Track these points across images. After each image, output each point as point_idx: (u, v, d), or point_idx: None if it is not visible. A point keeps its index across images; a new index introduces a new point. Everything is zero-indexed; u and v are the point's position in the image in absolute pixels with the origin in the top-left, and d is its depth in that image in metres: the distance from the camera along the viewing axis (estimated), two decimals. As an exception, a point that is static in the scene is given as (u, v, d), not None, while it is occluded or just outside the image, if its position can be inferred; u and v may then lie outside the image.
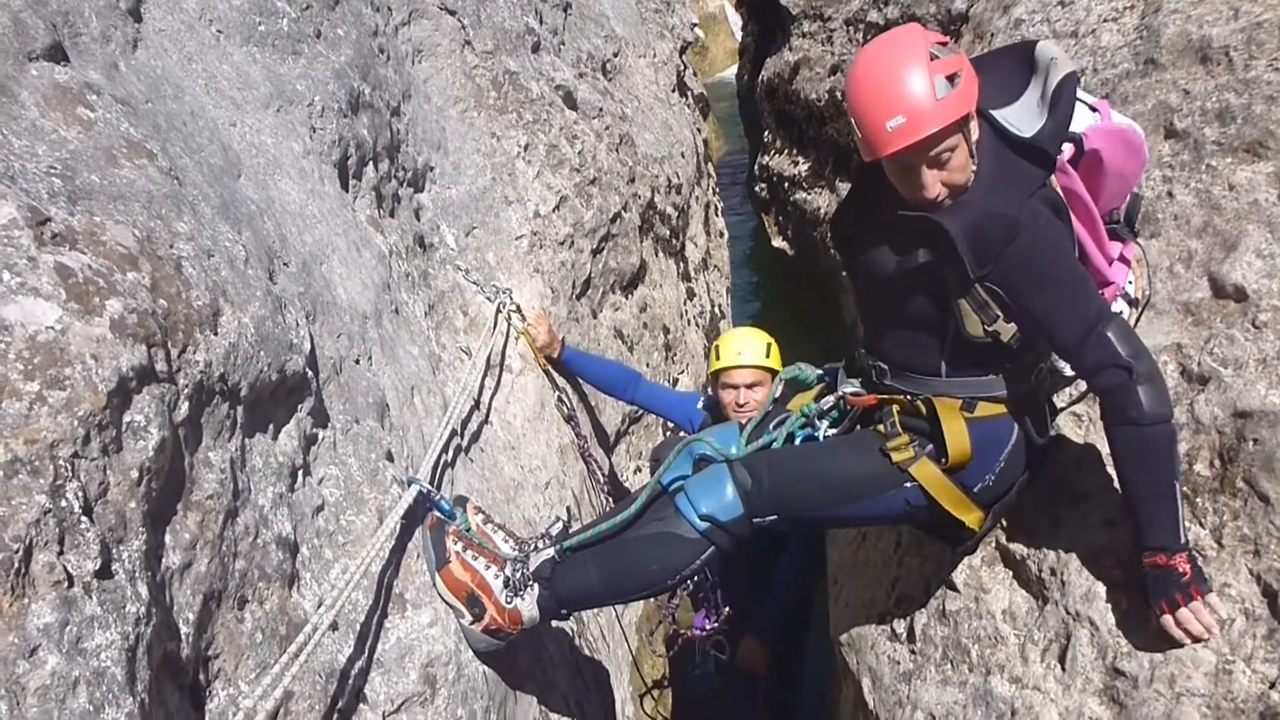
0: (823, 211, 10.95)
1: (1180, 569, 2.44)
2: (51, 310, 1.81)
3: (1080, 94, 2.70)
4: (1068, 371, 2.93)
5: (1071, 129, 2.66)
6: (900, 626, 3.49)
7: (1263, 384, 2.71)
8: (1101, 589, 2.73)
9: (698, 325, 8.40)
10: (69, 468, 1.71)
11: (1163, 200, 3.40)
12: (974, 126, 2.63)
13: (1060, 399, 3.15)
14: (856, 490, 2.95)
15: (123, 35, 2.71)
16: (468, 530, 3.14)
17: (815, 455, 3.08)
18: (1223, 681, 2.38)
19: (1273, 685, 2.29)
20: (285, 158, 3.29)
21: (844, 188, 10.19)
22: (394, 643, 2.75)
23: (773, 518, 2.98)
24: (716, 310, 9.33)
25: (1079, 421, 3.13)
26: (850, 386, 3.13)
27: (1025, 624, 2.93)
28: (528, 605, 3.05)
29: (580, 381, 5.26)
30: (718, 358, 4.67)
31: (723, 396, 4.59)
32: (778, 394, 3.62)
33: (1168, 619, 2.46)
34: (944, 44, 2.59)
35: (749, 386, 4.52)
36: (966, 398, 2.85)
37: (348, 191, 3.76)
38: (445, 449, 3.48)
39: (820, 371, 3.44)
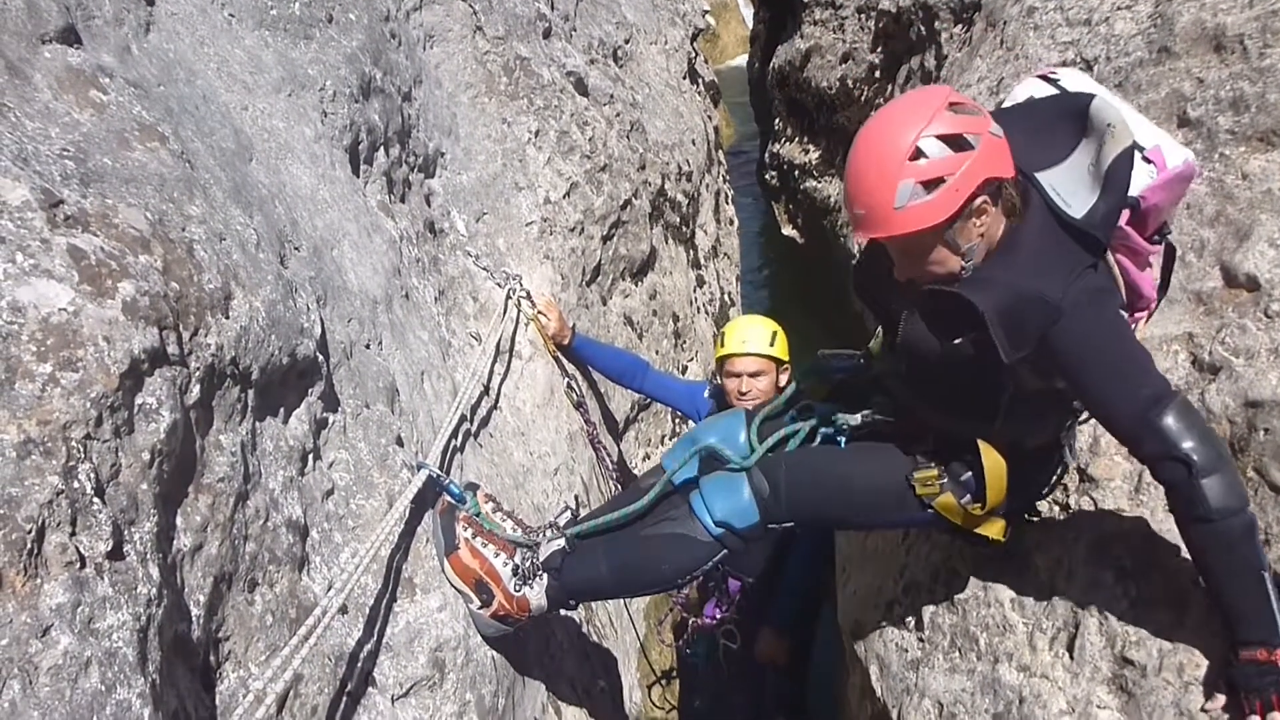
0: (833, 200, 10.94)
1: None
2: (64, 292, 1.82)
3: (1134, 129, 2.49)
4: None
5: (1131, 192, 2.44)
6: (908, 614, 3.49)
7: (1274, 374, 2.70)
8: (1110, 577, 2.73)
9: (707, 313, 8.39)
10: (81, 449, 1.72)
11: (1176, 189, 3.39)
12: (964, 226, 2.41)
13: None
14: (877, 508, 2.91)
15: (135, 18, 2.71)
16: (477, 515, 3.14)
17: (836, 467, 2.95)
18: (1231, 671, 2.37)
19: (1281, 675, 2.29)
20: (296, 142, 3.30)
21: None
22: (403, 627, 2.76)
23: (788, 525, 2.95)
24: (726, 298, 9.32)
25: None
26: (880, 415, 2.96)
27: (1034, 612, 2.93)
28: (536, 594, 3.06)
29: (590, 368, 5.26)
30: (722, 344, 4.67)
31: (726, 384, 4.58)
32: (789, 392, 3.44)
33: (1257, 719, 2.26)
34: (949, 137, 2.32)
35: (752, 375, 4.51)
36: (1014, 439, 2.72)
37: (359, 176, 3.76)
38: (455, 434, 3.48)
39: (840, 364, 3.29)
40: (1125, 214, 2.47)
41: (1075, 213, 2.41)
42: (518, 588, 3.03)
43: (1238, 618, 2.30)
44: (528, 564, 3.05)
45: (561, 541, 3.08)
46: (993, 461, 2.70)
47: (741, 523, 2.91)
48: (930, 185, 2.32)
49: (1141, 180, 2.48)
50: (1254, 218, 3.07)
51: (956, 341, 2.50)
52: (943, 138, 2.32)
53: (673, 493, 3.12)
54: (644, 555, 3.03)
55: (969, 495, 2.77)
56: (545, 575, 3.06)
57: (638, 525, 3.09)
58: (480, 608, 2.99)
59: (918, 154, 2.32)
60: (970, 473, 2.76)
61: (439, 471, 3.04)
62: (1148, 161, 2.51)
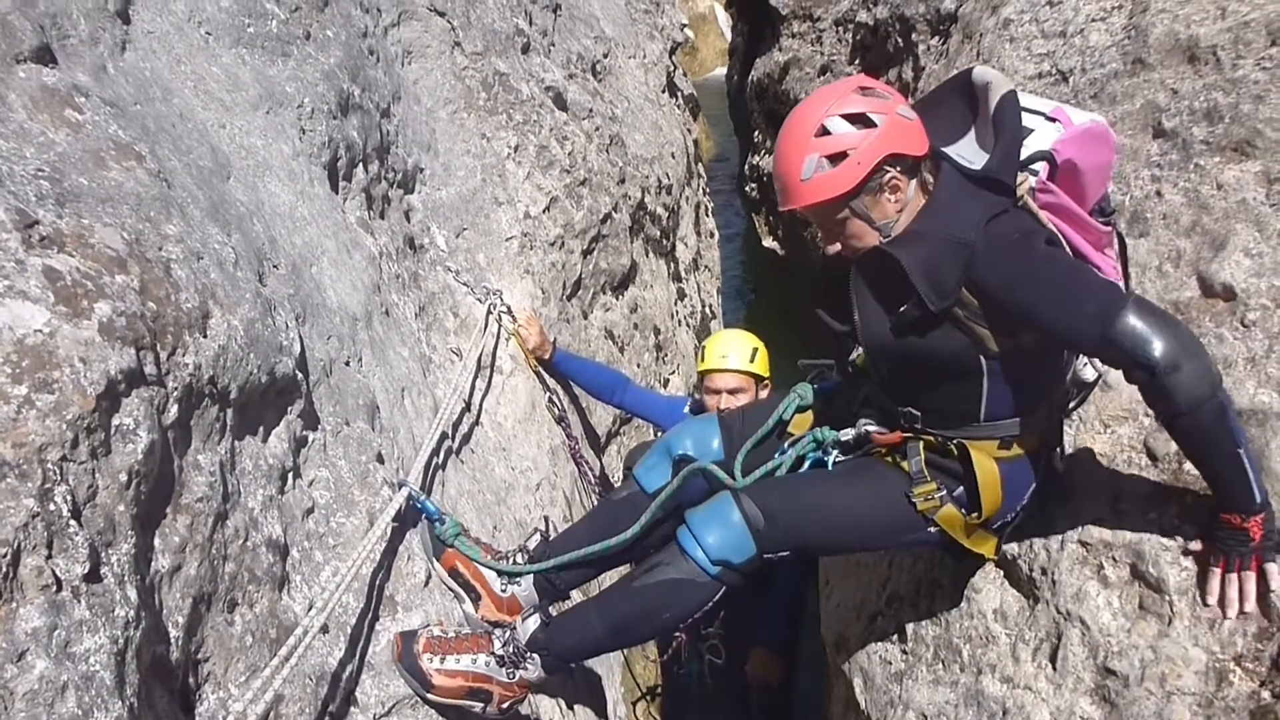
0: (813, 212, 10.96)
1: (1252, 533, 2.39)
2: (40, 313, 1.80)
3: (1032, 104, 2.66)
4: (1087, 374, 2.91)
5: (1040, 147, 2.59)
6: (891, 626, 3.49)
7: (1251, 382, 2.72)
8: (1092, 588, 2.74)
9: (688, 326, 8.40)
10: (57, 471, 1.70)
11: (1151, 199, 3.41)
12: (875, 200, 2.61)
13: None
14: (876, 531, 2.90)
15: (111, 37, 2.70)
16: (456, 537, 3.12)
17: (831, 493, 2.92)
18: (1213, 680, 2.38)
19: (1263, 684, 2.30)
20: (275, 159, 3.29)
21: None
22: (385, 645, 2.74)
23: (784, 553, 2.87)
24: (707, 310, 9.33)
25: (1068, 421, 3.13)
26: (871, 425, 2.97)
27: (1016, 623, 2.93)
28: (533, 672, 2.94)
29: (571, 383, 5.26)
30: (703, 359, 4.68)
31: (706, 400, 4.60)
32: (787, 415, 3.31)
33: (1217, 574, 2.45)
34: (854, 116, 2.54)
35: (731, 392, 4.53)
36: (1004, 437, 2.77)
37: (337, 193, 3.76)
38: (436, 451, 3.47)
39: (817, 386, 3.32)
40: (1044, 168, 2.59)
41: (977, 165, 2.60)
42: (511, 675, 2.92)
43: (1220, 491, 2.46)
44: (511, 650, 2.92)
45: (537, 618, 2.95)
46: (985, 470, 2.75)
47: (739, 556, 2.81)
48: (834, 159, 2.55)
49: (1051, 136, 2.62)
50: (1229, 228, 3.09)
51: (901, 310, 2.62)
52: (847, 116, 2.55)
53: (664, 520, 3.11)
54: (641, 608, 2.91)
55: (964, 508, 2.81)
56: (535, 655, 2.93)
57: (626, 576, 2.99)
58: (485, 709, 2.90)
59: (823, 131, 2.56)
60: (961, 487, 2.80)
61: (419, 491, 3.03)
62: (1052, 120, 2.66)
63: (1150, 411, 2.70)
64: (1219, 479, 2.45)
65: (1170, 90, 3.67)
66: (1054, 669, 2.74)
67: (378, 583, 2.84)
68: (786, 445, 3.12)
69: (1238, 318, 2.88)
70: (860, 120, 2.54)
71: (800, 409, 3.26)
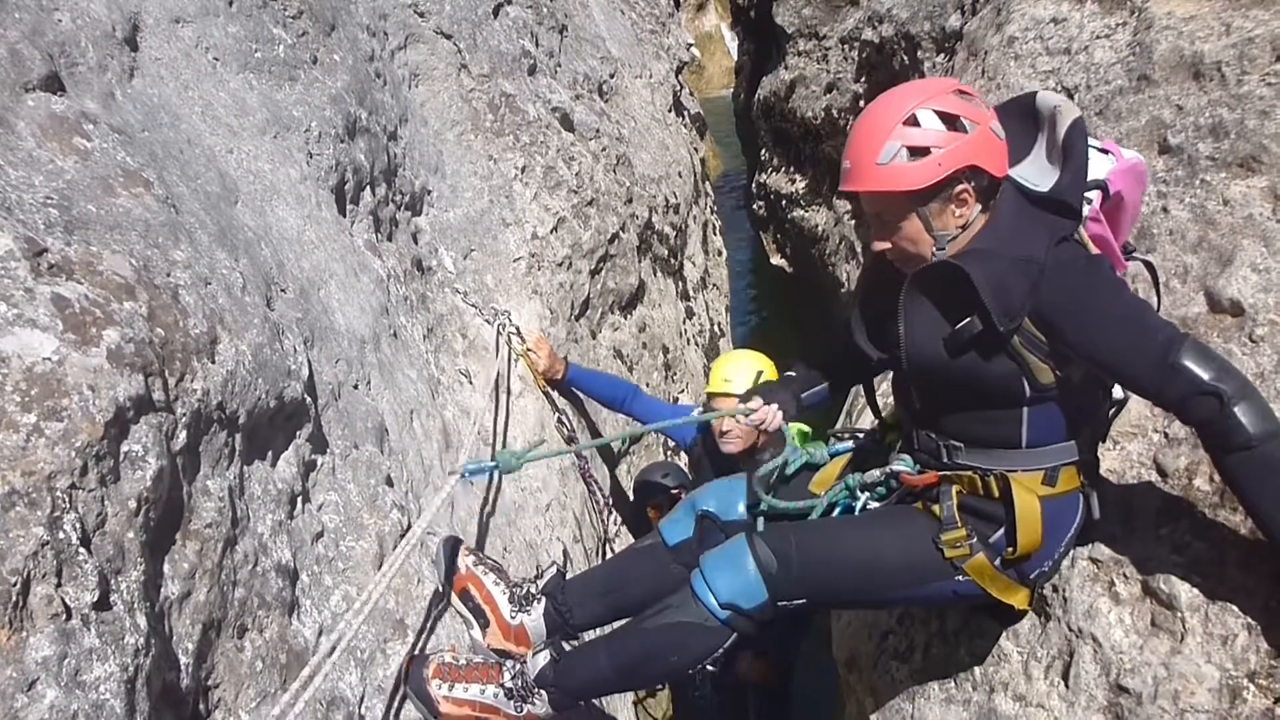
0: (820, 229, 10.98)
1: None
2: (48, 341, 1.82)
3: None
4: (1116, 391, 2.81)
5: (1095, 176, 2.53)
6: (903, 644, 3.48)
7: (1261, 398, 2.71)
8: (1104, 605, 2.72)
9: (697, 344, 8.40)
10: (66, 499, 1.71)
11: (1158, 216, 3.41)
12: (942, 209, 2.50)
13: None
14: (900, 580, 2.73)
15: (119, 64, 2.72)
16: (519, 459, 3.12)
17: (853, 537, 2.79)
18: (1227, 698, 2.37)
19: (1278, 701, 2.28)
20: (282, 184, 3.30)
21: (841, 205, 10.23)
22: (394, 669, 2.74)
23: (800, 601, 2.74)
24: (716, 329, 9.33)
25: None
26: (902, 464, 2.85)
27: (1028, 641, 2.92)
28: (540, 708, 2.89)
29: (582, 402, 5.27)
30: (709, 380, 4.70)
31: (712, 422, 4.60)
32: (795, 458, 3.23)
33: None
34: (948, 115, 2.43)
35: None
36: (1048, 468, 2.64)
37: (345, 216, 3.77)
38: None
39: (836, 447, 3.24)
40: (1098, 196, 2.56)
41: (1044, 188, 2.50)
42: (519, 708, 2.87)
43: None
44: (519, 684, 2.88)
45: (547, 654, 2.91)
46: (1025, 505, 2.61)
47: (749, 603, 2.69)
48: (916, 153, 2.43)
49: (1104, 166, 2.58)
50: (1236, 243, 3.08)
51: (958, 327, 2.52)
52: (940, 114, 2.44)
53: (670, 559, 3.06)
54: (648, 650, 2.82)
55: (999, 557, 2.66)
56: (543, 691, 2.88)
57: (639, 617, 2.89)
58: None
59: (913, 121, 2.43)
60: (1000, 531, 2.66)
61: (471, 464, 3.06)
62: (1105, 153, 2.62)
63: (1160, 428, 2.67)
64: None
65: (1175, 106, 3.67)
66: (1066, 687, 2.72)
67: (388, 605, 2.83)
68: (821, 493, 3.01)
69: (1246, 333, 2.87)
70: (952, 121, 2.44)
71: (811, 466, 3.17)
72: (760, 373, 4.61)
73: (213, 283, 2.39)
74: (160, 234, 2.30)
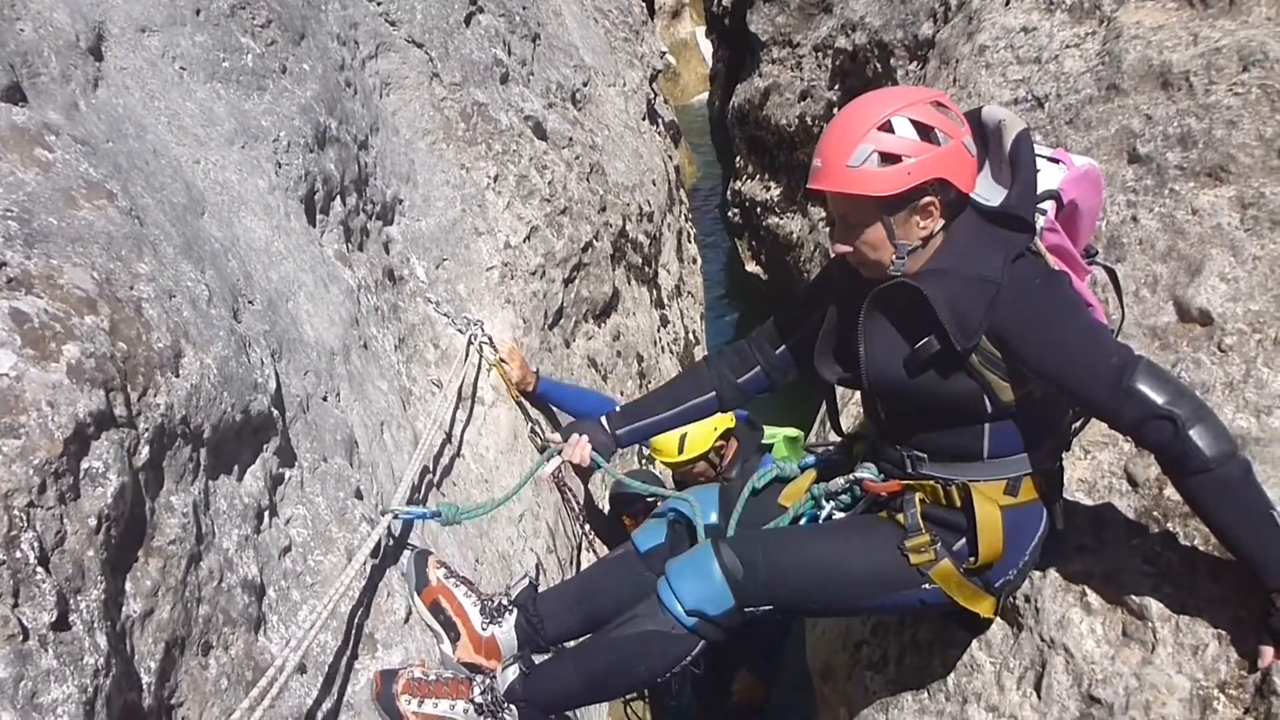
0: (795, 236, 10.99)
1: None
2: (6, 357, 1.78)
3: (1037, 148, 2.59)
4: None
5: (1047, 187, 2.55)
6: (877, 655, 3.48)
7: (1230, 407, 2.72)
8: (1076, 615, 2.73)
9: (672, 352, 8.39)
10: (24, 518, 1.68)
11: (1127, 225, 3.42)
12: (907, 218, 2.48)
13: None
14: (866, 588, 2.74)
15: (83, 74, 2.69)
16: (457, 515, 3.11)
17: (819, 545, 2.81)
18: (1198, 708, 2.37)
19: (1248, 711, 2.29)
20: (250, 194, 3.27)
21: (815, 212, 10.25)
22: (364, 684, 2.71)
23: (767, 607, 2.75)
24: (690, 336, 9.32)
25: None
26: (866, 472, 2.86)
27: (1001, 652, 2.92)
28: None
29: (555, 411, 5.24)
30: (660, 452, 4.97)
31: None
32: (764, 471, 3.26)
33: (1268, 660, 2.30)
34: (923, 126, 2.41)
35: (685, 474, 4.91)
36: (1010, 478, 2.65)
37: (315, 226, 3.74)
38: (417, 485, 3.44)
39: (808, 459, 3.25)
40: (1052, 206, 2.56)
41: (995, 202, 2.51)
42: None
43: (1263, 567, 2.31)
44: (489, 698, 2.85)
45: (517, 668, 2.89)
46: (986, 514, 2.62)
47: (715, 609, 2.70)
48: (887, 159, 2.40)
49: (1056, 176, 2.59)
50: (1205, 252, 3.10)
51: (917, 347, 2.51)
52: (915, 124, 2.42)
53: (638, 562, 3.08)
54: (615, 661, 2.82)
55: (963, 565, 2.66)
56: (513, 707, 2.85)
57: (606, 628, 2.88)
58: None
59: (888, 127, 2.41)
60: (963, 540, 2.67)
61: (403, 508, 3.03)
62: (1055, 162, 2.63)
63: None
64: (1259, 552, 2.31)
65: (1144, 116, 3.69)
66: (1039, 697, 2.72)
67: (357, 620, 2.81)
68: (789, 505, 3.02)
69: (1215, 343, 2.89)
70: (927, 132, 2.42)
71: (782, 480, 3.18)
72: (683, 436, 4.79)
73: (177, 295, 2.36)
74: (124, 246, 2.27)
